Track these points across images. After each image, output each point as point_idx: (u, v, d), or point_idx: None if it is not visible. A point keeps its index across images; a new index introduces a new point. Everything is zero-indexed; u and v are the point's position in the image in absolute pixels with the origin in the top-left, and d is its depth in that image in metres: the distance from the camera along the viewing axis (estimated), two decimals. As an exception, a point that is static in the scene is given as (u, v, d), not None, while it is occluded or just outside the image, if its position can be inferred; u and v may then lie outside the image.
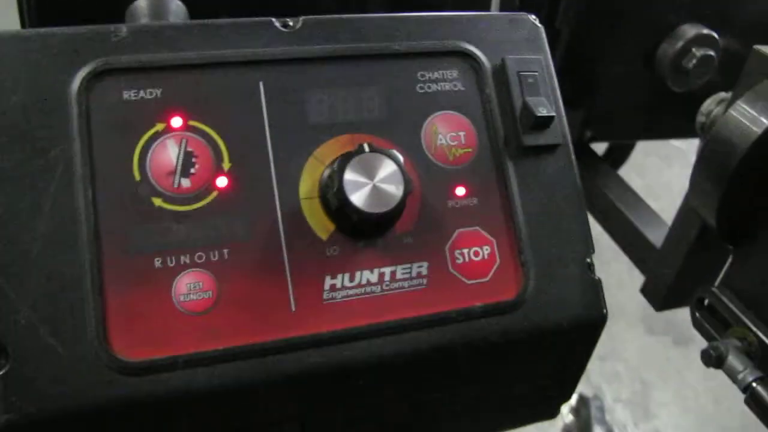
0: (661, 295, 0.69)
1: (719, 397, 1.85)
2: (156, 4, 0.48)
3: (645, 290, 0.71)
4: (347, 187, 0.41)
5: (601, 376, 1.88)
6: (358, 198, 0.41)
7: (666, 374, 1.93)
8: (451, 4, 0.66)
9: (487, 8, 0.66)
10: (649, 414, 1.84)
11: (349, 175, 0.41)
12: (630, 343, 1.98)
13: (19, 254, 0.39)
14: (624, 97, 0.80)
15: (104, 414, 0.38)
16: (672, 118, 0.83)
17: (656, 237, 0.75)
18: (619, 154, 1.02)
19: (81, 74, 0.41)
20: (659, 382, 1.91)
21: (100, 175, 0.41)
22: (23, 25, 0.56)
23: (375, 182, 0.41)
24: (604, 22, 0.75)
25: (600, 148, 1.03)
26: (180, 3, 0.49)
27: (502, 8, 0.73)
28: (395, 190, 0.41)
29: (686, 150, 2.51)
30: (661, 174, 2.44)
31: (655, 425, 1.86)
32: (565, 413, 1.63)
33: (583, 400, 1.58)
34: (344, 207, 0.41)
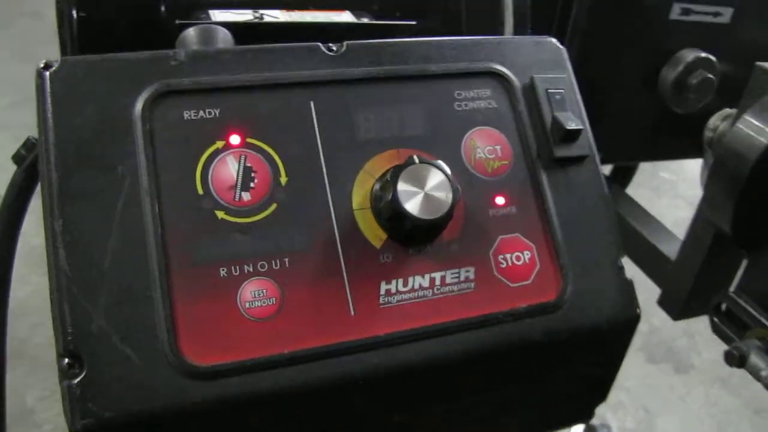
0: (678, 305, 0.72)
1: (722, 423, 1.86)
2: (205, 32, 0.51)
3: (662, 302, 0.74)
4: (401, 196, 0.43)
5: (605, 406, 1.89)
6: (411, 206, 0.43)
7: (669, 402, 1.94)
8: (467, 32, 0.69)
9: (501, 34, 0.69)
10: (655, 442, 1.85)
11: (402, 186, 0.43)
12: (631, 372, 1.99)
13: (92, 266, 0.40)
14: (629, 119, 0.83)
15: (176, 417, 0.40)
16: (675, 140, 0.87)
17: (669, 250, 0.78)
18: (624, 175, 1.05)
19: (144, 95, 0.44)
20: (663, 410, 1.91)
21: (165, 189, 0.43)
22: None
23: (426, 191, 0.44)
24: (608, 47, 0.79)
25: (605, 169, 1.06)
26: (227, 31, 0.52)
27: (515, 34, 0.76)
28: (445, 197, 0.44)
29: (675, 181, 2.57)
30: (652, 205, 2.46)
31: (662, 453, 1.86)
32: (573, 442, 1.63)
33: (591, 429, 1.58)
34: (399, 215, 0.43)
